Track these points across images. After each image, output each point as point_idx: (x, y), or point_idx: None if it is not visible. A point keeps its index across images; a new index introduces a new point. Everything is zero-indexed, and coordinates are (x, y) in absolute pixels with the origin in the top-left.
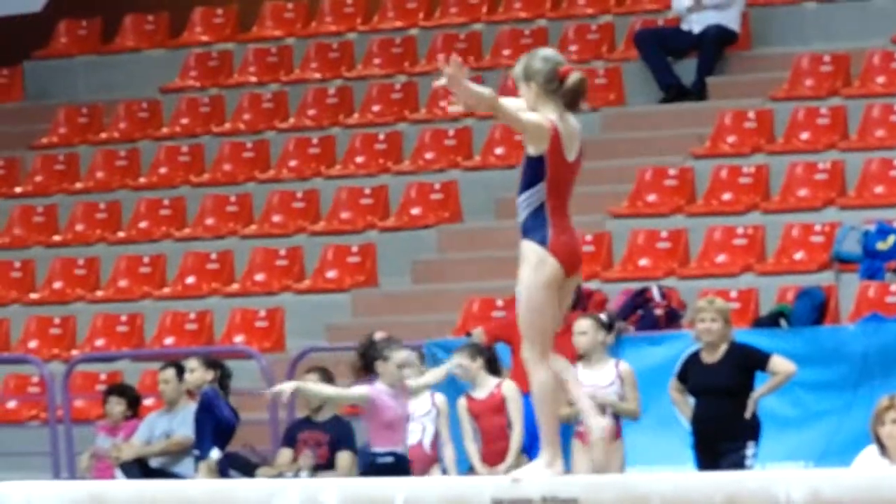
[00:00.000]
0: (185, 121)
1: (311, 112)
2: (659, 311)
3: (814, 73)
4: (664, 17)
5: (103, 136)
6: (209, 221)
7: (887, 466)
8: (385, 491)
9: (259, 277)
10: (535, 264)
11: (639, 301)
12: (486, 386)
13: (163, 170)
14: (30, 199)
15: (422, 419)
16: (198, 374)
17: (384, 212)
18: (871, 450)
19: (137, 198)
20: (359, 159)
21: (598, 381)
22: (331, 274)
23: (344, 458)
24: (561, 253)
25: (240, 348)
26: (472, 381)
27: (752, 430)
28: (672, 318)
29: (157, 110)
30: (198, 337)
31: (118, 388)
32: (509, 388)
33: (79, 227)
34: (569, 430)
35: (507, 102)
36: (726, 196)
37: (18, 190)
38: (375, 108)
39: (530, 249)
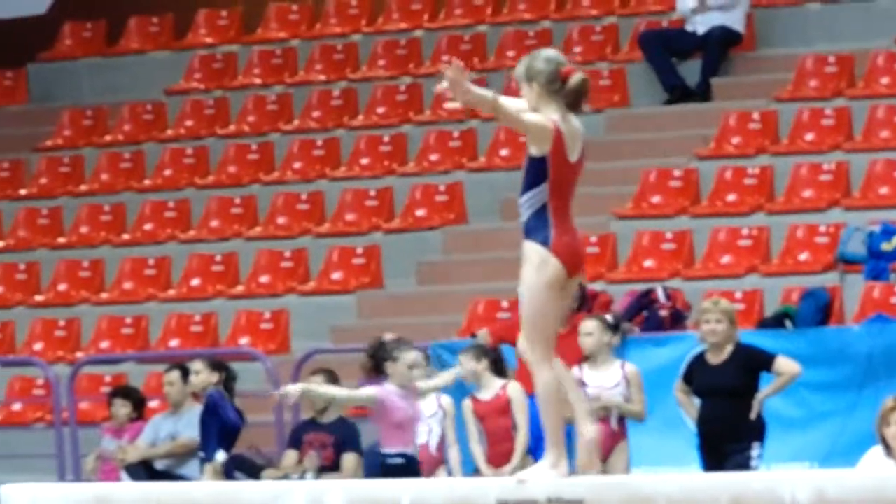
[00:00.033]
0: (189, 123)
1: (316, 114)
2: (664, 313)
3: (818, 74)
4: (668, 19)
5: (108, 138)
6: (214, 223)
7: (892, 467)
8: (390, 493)
9: (264, 279)
10: (537, 265)
11: (644, 302)
12: (491, 387)
13: (167, 172)
14: (34, 201)
15: (428, 421)
16: (203, 376)
17: (389, 213)
18: (877, 450)
19: (142, 200)
20: (364, 161)
21: (603, 382)
22: (336, 275)
23: (349, 459)
24: (563, 253)
25: (245, 350)
26: (477, 382)
27: (757, 430)
28: (677, 320)
29: (161, 112)
30: (203, 339)
31: (123, 390)
32: (514, 389)
33: (84, 230)
34: (574, 431)
35: (509, 103)
36: (731, 197)
37: (23, 192)
38: (380, 109)
39: (532, 250)
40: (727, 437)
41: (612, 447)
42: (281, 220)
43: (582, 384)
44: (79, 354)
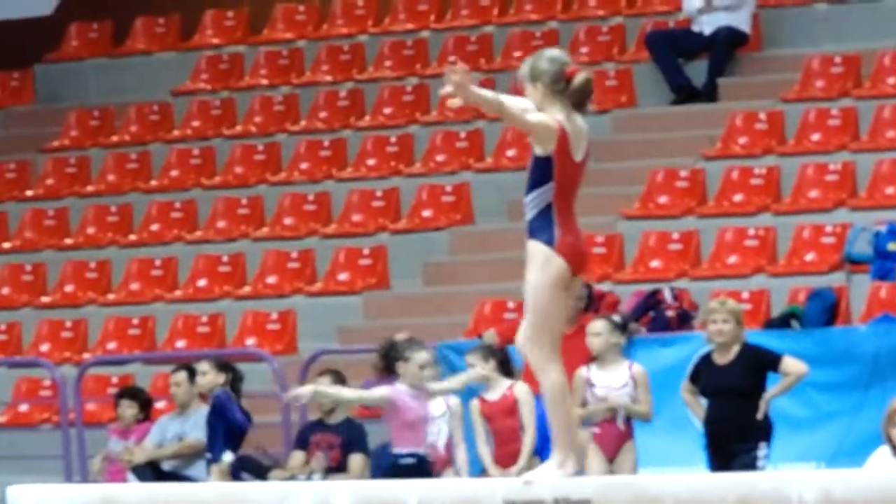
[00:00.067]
0: (196, 123)
1: (323, 114)
2: (671, 313)
3: (825, 75)
4: (675, 19)
5: (114, 138)
6: (221, 224)
7: None
8: (397, 493)
9: (271, 280)
10: (541, 264)
11: (650, 302)
12: (498, 388)
13: (174, 172)
14: (41, 202)
15: (436, 421)
16: (209, 376)
17: (396, 214)
18: (883, 450)
19: (149, 201)
20: (370, 162)
21: (611, 382)
22: (342, 276)
23: (356, 460)
24: (568, 253)
25: (252, 351)
26: (485, 383)
27: (764, 431)
28: (684, 320)
29: (168, 113)
30: (210, 340)
31: (130, 391)
32: (522, 390)
33: (90, 231)
34: None
35: (514, 104)
36: (737, 197)
37: (30, 193)
38: (387, 110)
39: (537, 249)
40: (734, 438)
41: (618, 447)
42: (287, 221)
43: (589, 384)
44: (85, 355)
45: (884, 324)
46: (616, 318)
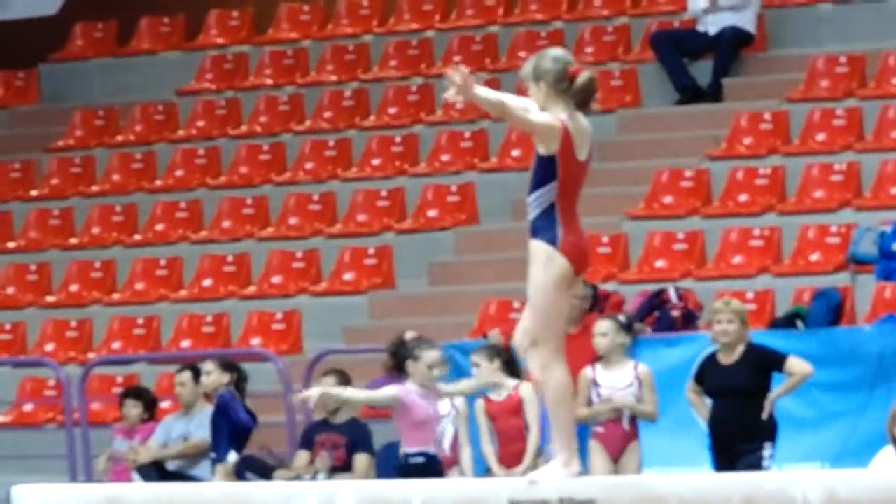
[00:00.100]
0: (201, 123)
1: (328, 114)
2: (676, 313)
3: (829, 75)
4: (680, 19)
5: (119, 138)
6: (226, 224)
7: None
8: (402, 493)
9: (276, 280)
10: (543, 263)
11: (655, 303)
12: (503, 388)
13: (179, 172)
14: (46, 201)
15: (442, 421)
16: (214, 376)
17: (401, 214)
18: (888, 450)
19: (154, 200)
20: (375, 161)
21: (616, 382)
22: (347, 276)
23: (361, 460)
24: (570, 252)
25: (256, 351)
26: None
27: (768, 431)
28: (689, 320)
29: (173, 113)
30: (214, 339)
31: (135, 391)
32: (527, 389)
33: (95, 230)
34: (586, 431)
35: (517, 103)
36: (742, 197)
37: (34, 193)
38: (391, 110)
39: (539, 249)
40: (739, 438)
41: (623, 447)
42: (293, 221)
43: (595, 384)
44: (90, 355)
45: (888, 324)
46: (621, 318)
